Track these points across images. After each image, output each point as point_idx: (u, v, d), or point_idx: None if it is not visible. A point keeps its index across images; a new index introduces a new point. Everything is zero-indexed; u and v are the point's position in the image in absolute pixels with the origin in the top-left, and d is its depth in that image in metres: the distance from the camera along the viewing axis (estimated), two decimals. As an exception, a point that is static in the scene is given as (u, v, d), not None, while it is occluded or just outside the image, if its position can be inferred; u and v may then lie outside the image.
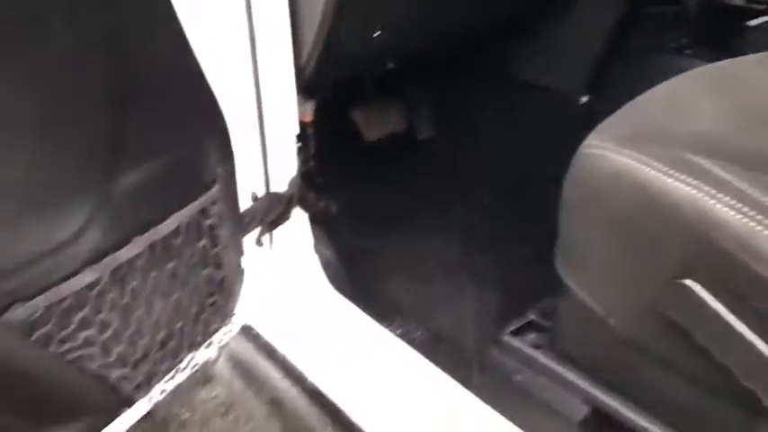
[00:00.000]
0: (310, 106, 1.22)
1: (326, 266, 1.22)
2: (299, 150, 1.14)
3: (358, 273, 1.27)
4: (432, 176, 1.71)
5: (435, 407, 1.01)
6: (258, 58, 0.97)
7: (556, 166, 0.84)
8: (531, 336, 1.05)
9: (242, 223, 1.02)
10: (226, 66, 0.91)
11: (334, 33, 1.04)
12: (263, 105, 1.02)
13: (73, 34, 0.64)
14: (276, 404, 1.18)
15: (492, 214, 1.51)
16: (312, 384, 1.14)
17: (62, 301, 0.71)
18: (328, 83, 1.26)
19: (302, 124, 1.14)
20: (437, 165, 1.76)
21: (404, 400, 1.04)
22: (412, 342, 1.08)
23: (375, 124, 1.77)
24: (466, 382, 0.98)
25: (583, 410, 0.94)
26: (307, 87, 1.12)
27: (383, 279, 1.35)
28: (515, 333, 1.06)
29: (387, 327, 1.11)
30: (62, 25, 0.63)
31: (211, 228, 0.89)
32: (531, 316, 1.07)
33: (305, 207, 1.19)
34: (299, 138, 1.13)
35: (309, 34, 1.04)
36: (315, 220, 1.23)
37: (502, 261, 1.34)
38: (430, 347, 1.06)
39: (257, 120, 1.03)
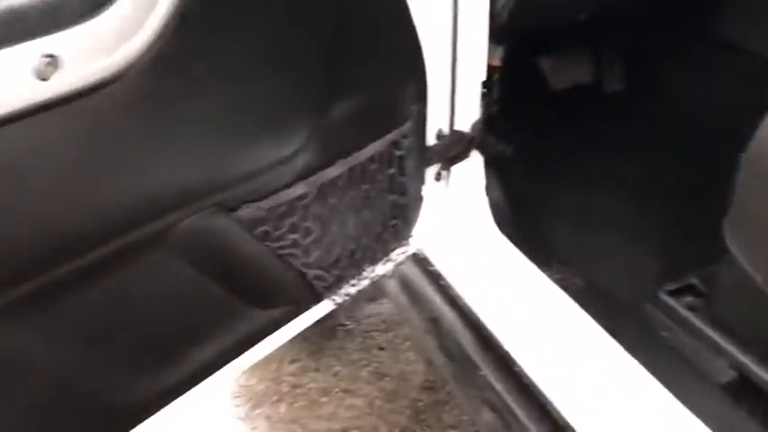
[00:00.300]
0: (499, 52, 1.25)
1: (495, 208, 1.28)
2: (484, 94, 1.19)
3: (524, 218, 1.30)
4: (613, 130, 1.68)
5: (581, 351, 1.06)
6: (458, 3, 1.03)
7: (743, 133, 0.83)
8: (689, 298, 1.05)
9: (426, 157, 1.12)
10: (428, 10, 0.98)
11: (530, -18, 1.07)
12: (458, 49, 1.09)
13: None
14: (434, 323, 1.30)
15: (669, 174, 1.47)
16: (470, 311, 1.23)
17: (278, 206, 0.87)
18: (519, 30, 1.28)
19: (489, 69, 1.19)
20: (620, 119, 1.73)
21: (551, 339, 1.10)
22: (568, 289, 1.12)
23: (562, 73, 1.76)
24: (615, 332, 1.02)
25: (728, 375, 0.95)
26: (498, 33, 1.16)
27: (548, 226, 1.38)
28: (673, 293, 1.07)
29: (545, 272, 1.16)
30: None
31: (401, 159, 1.00)
32: (692, 279, 1.07)
33: (483, 149, 1.25)
34: (485, 83, 1.19)
35: (507, -19, 1.08)
36: (490, 163, 1.28)
37: (671, 221, 1.32)
38: (584, 296, 1.10)
39: (450, 62, 1.10)
